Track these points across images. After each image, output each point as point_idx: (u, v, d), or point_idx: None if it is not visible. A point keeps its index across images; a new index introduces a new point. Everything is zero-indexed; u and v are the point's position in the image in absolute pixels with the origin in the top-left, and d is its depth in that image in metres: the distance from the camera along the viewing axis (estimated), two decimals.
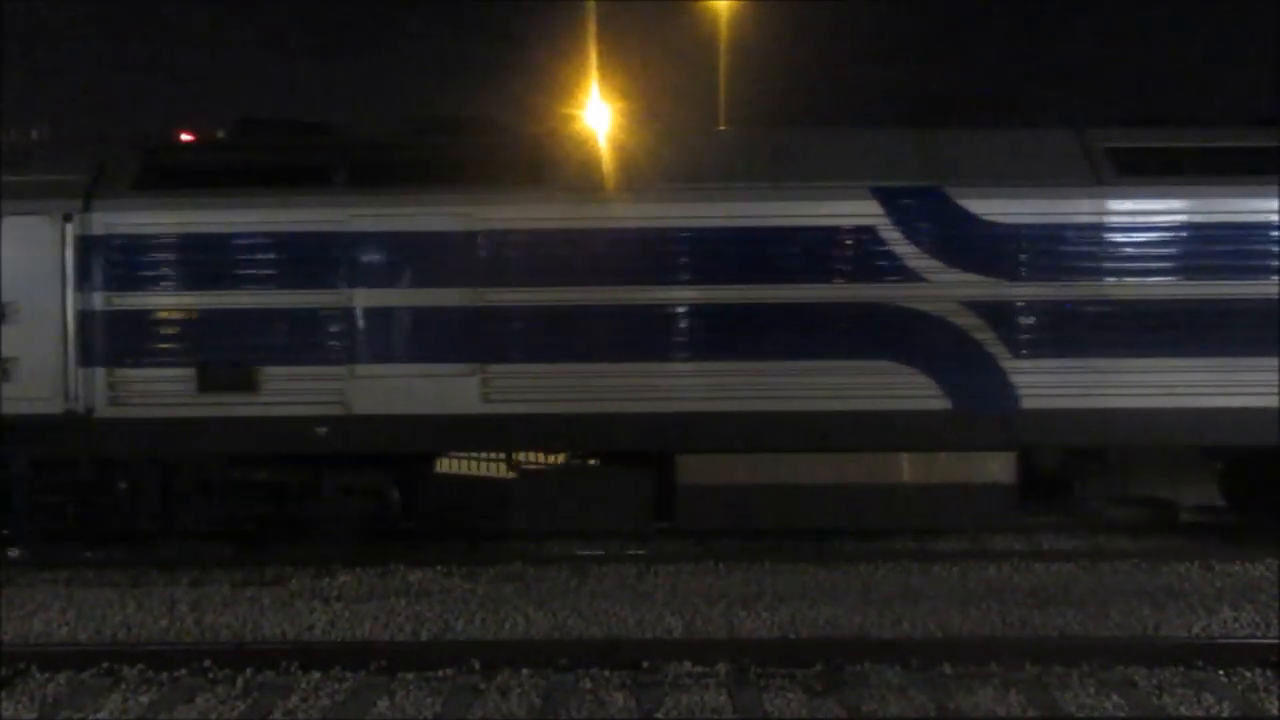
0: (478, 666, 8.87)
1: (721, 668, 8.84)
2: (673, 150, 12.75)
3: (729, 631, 10.01)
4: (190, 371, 12.35)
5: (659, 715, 8.09)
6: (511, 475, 12.86)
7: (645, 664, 8.87)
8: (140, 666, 8.91)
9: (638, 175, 12.49)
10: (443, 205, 12.35)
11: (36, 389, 12.32)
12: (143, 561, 12.66)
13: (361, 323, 12.35)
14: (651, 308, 12.30)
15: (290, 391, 12.32)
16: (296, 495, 12.66)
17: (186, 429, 12.33)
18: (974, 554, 12.66)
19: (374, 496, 12.71)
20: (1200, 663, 8.82)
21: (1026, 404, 12.20)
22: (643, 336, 12.29)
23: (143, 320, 12.43)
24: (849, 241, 12.30)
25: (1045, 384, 12.20)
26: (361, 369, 12.32)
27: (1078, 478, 12.85)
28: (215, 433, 12.32)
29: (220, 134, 13.51)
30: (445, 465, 12.87)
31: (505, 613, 10.58)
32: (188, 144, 13.36)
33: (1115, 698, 8.30)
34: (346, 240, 12.35)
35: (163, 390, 12.36)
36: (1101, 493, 12.99)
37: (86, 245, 12.41)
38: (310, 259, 12.38)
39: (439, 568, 12.35)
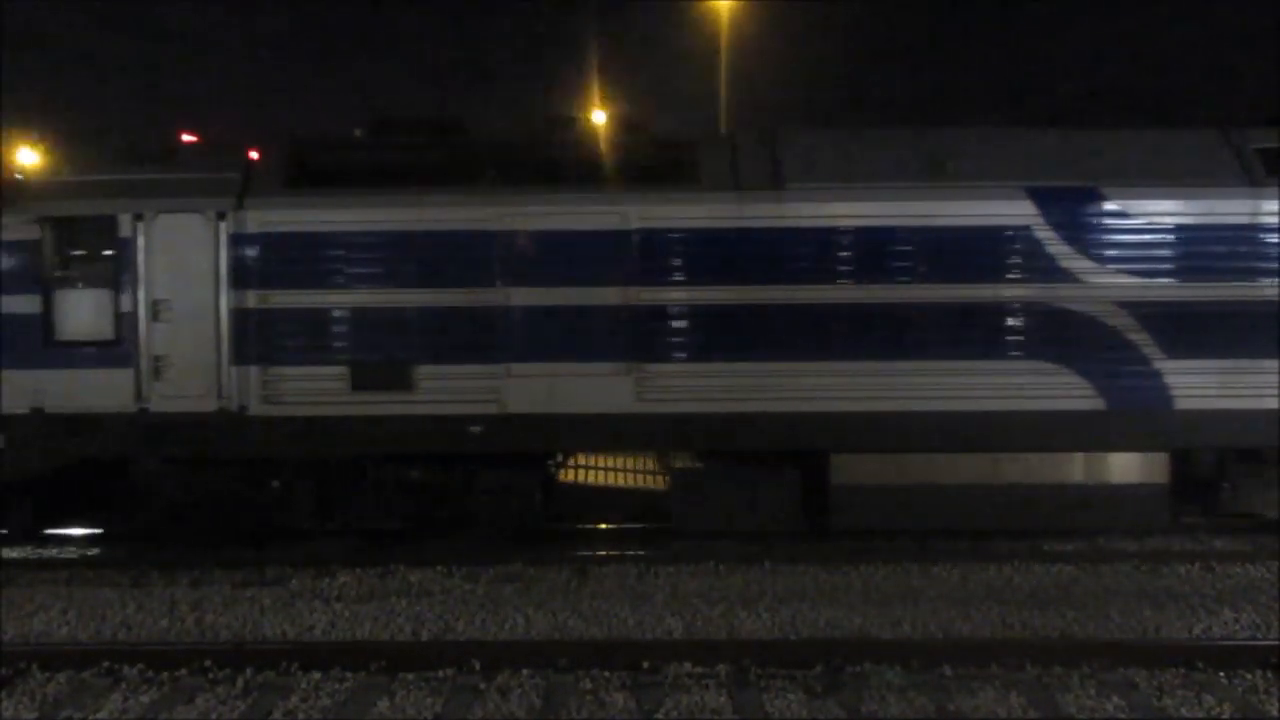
0: (478, 667, 8.87)
1: (722, 668, 8.84)
2: (827, 151, 12.74)
3: (729, 632, 10.01)
4: (343, 370, 12.37)
5: (659, 716, 8.09)
6: (663, 477, 12.88)
7: (645, 665, 8.87)
8: (140, 666, 8.92)
9: (792, 176, 12.49)
10: (599, 205, 12.39)
11: (189, 387, 12.34)
12: (143, 561, 12.65)
13: (517, 321, 12.36)
14: (805, 307, 12.30)
15: (445, 390, 12.34)
16: (449, 494, 12.69)
17: (340, 427, 12.34)
18: (974, 555, 12.65)
19: (522, 496, 12.75)
20: (1201, 664, 8.82)
21: (1180, 404, 12.22)
22: (797, 336, 12.30)
23: (296, 318, 12.43)
24: (1004, 242, 12.32)
25: (1198, 384, 12.21)
26: (517, 367, 12.34)
27: (1230, 479, 12.77)
28: (368, 431, 12.34)
29: (358, 133, 13.49)
30: (587, 465, 12.94)
31: (505, 613, 10.57)
32: (336, 142, 13.35)
33: (1116, 699, 8.30)
34: (502, 239, 12.36)
35: (316, 388, 12.38)
36: (1254, 494, 12.90)
37: (240, 243, 12.42)
38: (465, 258, 12.39)
39: (439, 568, 12.35)
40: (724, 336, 12.32)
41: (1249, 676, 8.70)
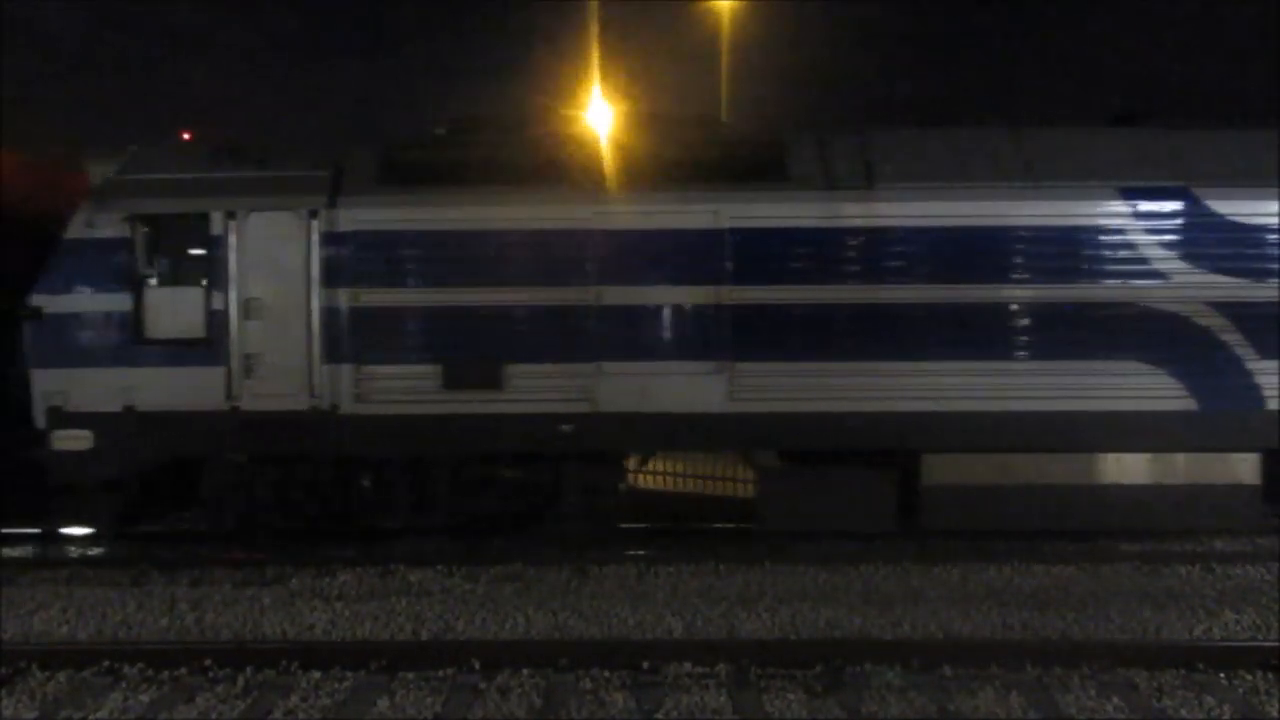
0: (478, 666, 8.87)
1: (722, 668, 8.84)
2: (918, 150, 12.74)
3: (729, 632, 10.00)
4: (435, 368, 12.36)
5: (659, 716, 8.09)
6: (752, 476, 12.89)
7: (645, 664, 8.87)
8: (140, 665, 8.91)
9: (883, 175, 12.50)
10: (692, 203, 12.39)
11: (281, 386, 12.34)
12: (143, 560, 12.65)
13: (609, 320, 12.36)
14: (897, 306, 12.31)
15: (536, 389, 12.34)
16: (539, 492, 12.71)
17: (431, 426, 12.34)
18: (974, 555, 12.63)
19: (608, 495, 12.77)
20: (1201, 665, 8.82)
21: (1272, 405, 12.21)
22: (888, 335, 12.30)
23: (387, 316, 12.43)
24: (1097, 242, 12.31)
25: None
26: (609, 366, 12.33)
27: None
28: (460, 429, 12.33)
29: (439, 131, 13.49)
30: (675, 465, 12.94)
31: (506, 613, 10.57)
32: (426, 140, 13.35)
33: (1116, 700, 8.30)
34: (595, 237, 12.38)
35: (407, 387, 12.37)
36: None
37: (332, 241, 12.41)
38: (557, 256, 12.40)
39: (439, 567, 12.35)
40: (816, 336, 12.31)
41: (1249, 678, 8.69)
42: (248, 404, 12.34)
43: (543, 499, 12.83)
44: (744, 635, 9.89)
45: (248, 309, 12.38)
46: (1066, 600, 10.97)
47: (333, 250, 12.40)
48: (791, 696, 8.39)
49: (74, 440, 12.36)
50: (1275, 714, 8.13)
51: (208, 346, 12.37)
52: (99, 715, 8.22)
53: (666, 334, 12.38)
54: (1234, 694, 8.42)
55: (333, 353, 12.38)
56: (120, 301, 12.43)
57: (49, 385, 12.41)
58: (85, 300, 12.46)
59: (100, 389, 12.32)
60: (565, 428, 12.31)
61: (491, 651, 9.11)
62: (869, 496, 12.48)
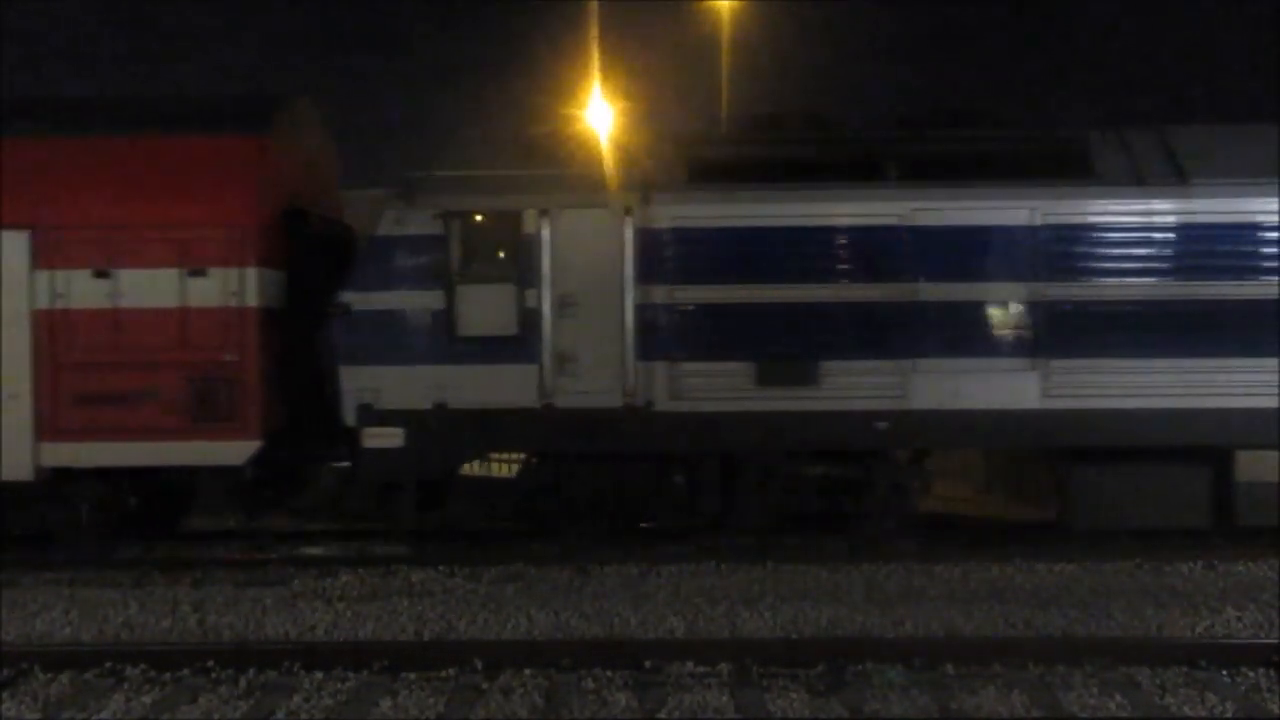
0: (480, 666, 8.86)
1: (724, 668, 8.82)
2: (1226, 145, 12.76)
3: (731, 631, 10.00)
4: (750, 365, 12.37)
5: (661, 715, 8.08)
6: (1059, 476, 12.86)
7: (648, 664, 8.86)
8: (143, 667, 8.89)
9: (1194, 171, 12.50)
10: (1008, 200, 12.40)
11: (595, 383, 12.37)
12: (145, 562, 12.65)
13: (924, 317, 12.38)
14: (1212, 303, 12.34)
15: (851, 386, 12.36)
16: (848, 490, 12.70)
17: (745, 423, 12.35)
18: (976, 554, 12.62)
19: (917, 495, 12.79)
20: (1204, 663, 8.80)
21: None
22: (1203, 331, 12.30)
23: (702, 313, 12.48)
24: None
25: None
26: (923, 363, 12.35)
27: None
28: (774, 426, 12.36)
29: (738, 129, 13.57)
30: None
31: (508, 613, 10.57)
32: (732, 137, 13.49)
33: (1118, 698, 8.28)
34: (909, 234, 12.39)
35: (722, 384, 12.40)
36: None
37: (646, 238, 12.43)
38: (871, 252, 12.44)
39: (441, 568, 12.34)
40: (1130, 332, 12.34)
41: (1252, 675, 8.67)
42: (562, 401, 12.39)
43: (851, 498, 12.77)
44: (746, 634, 9.89)
45: (561, 306, 12.40)
46: (1069, 598, 10.96)
47: (647, 247, 12.43)
48: (794, 695, 8.37)
49: (385, 438, 12.38)
50: (1278, 711, 8.12)
51: (520, 344, 12.43)
52: (101, 717, 8.21)
53: (980, 331, 12.41)
54: (1236, 691, 8.40)
55: (647, 349, 12.40)
56: (432, 299, 12.47)
57: (359, 382, 12.44)
58: (396, 297, 12.50)
59: (411, 386, 12.38)
60: (879, 425, 12.32)
61: (494, 651, 9.10)
62: (1183, 493, 12.46)
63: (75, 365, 12.52)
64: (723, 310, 12.48)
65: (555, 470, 12.71)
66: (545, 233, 12.47)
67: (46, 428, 12.53)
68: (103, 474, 12.74)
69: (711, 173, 12.70)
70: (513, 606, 10.80)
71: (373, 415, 12.41)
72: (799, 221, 12.48)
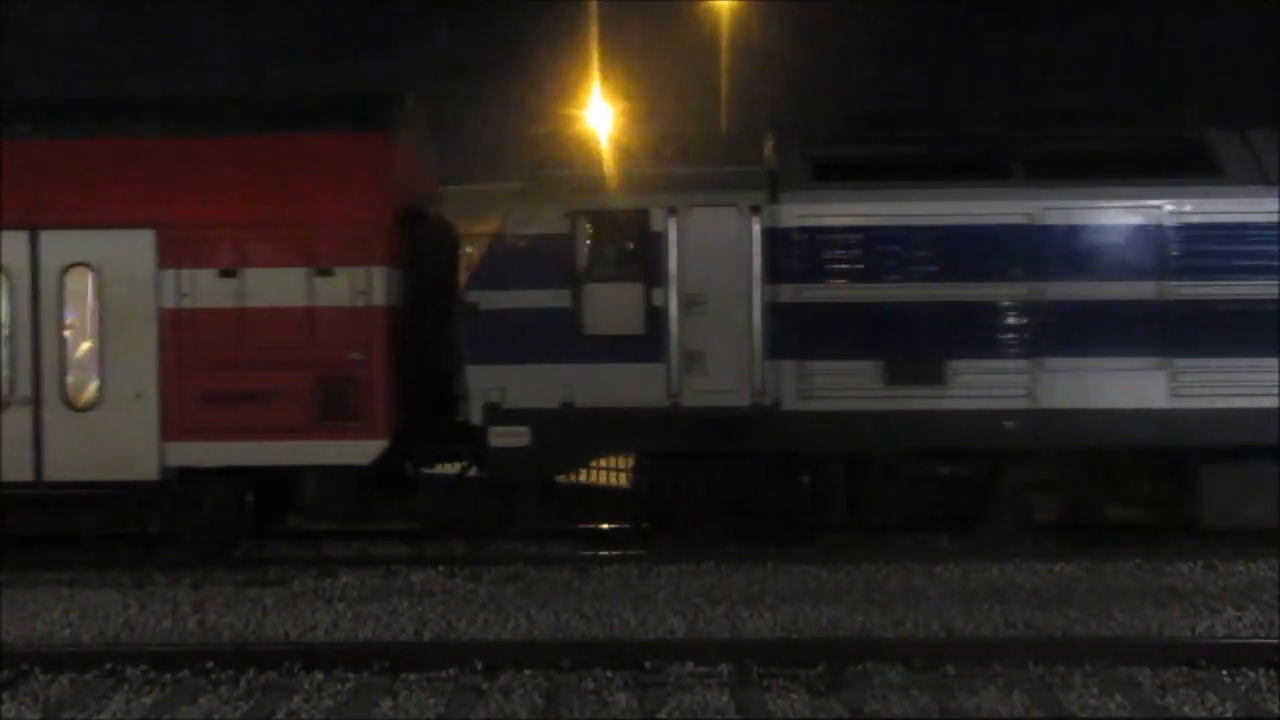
0: (480, 667, 8.86)
1: (724, 668, 8.82)
2: None
3: (731, 632, 10.00)
4: (877, 364, 12.38)
5: (661, 715, 8.08)
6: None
7: (648, 664, 8.86)
8: (143, 667, 8.89)
9: None
10: (1137, 198, 12.43)
11: (723, 382, 12.36)
12: (145, 562, 12.64)
13: (1052, 316, 12.38)
14: None
15: (978, 385, 12.35)
16: (976, 490, 12.69)
17: (873, 422, 12.36)
18: (976, 554, 12.61)
19: (1045, 492, 12.78)
20: (1204, 663, 8.80)
21: None
22: None
23: (830, 312, 12.48)
24: None
25: None
26: (1050, 362, 12.34)
27: None
28: (901, 426, 12.38)
29: (860, 128, 13.56)
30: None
31: (508, 613, 10.57)
32: (856, 136, 13.39)
33: (1119, 698, 8.28)
34: (1037, 233, 12.42)
35: (850, 383, 12.40)
36: None
37: (774, 237, 12.43)
38: (999, 251, 12.45)
39: (441, 568, 12.34)
40: (1259, 332, 12.32)
41: (1252, 675, 8.67)
42: (689, 400, 12.38)
43: (977, 498, 12.76)
44: (746, 635, 9.89)
45: (688, 305, 12.40)
46: (1069, 598, 10.96)
47: (774, 245, 12.44)
48: (794, 696, 8.37)
49: (511, 437, 12.39)
50: (1277, 711, 8.12)
51: (647, 343, 12.44)
52: (101, 717, 8.21)
53: (1107, 330, 12.41)
54: (1236, 691, 8.40)
55: (775, 349, 12.41)
56: (558, 297, 12.48)
57: (485, 381, 12.48)
58: (522, 296, 12.49)
59: (538, 385, 12.41)
60: (1008, 424, 12.31)
61: (494, 652, 9.10)
62: None
63: (201, 364, 12.50)
64: (850, 309, 12.49)
65: (678, 470, 12.68)
66: (673, 231, 12.48)
67: (172, 427, 12.52)
68: (223, 473, 12.72)
69: (838, 171, 12.72)
70: (513, 606, 10.80)
71: (499, 414, 12.44)
72: (926, 220, 12.51)
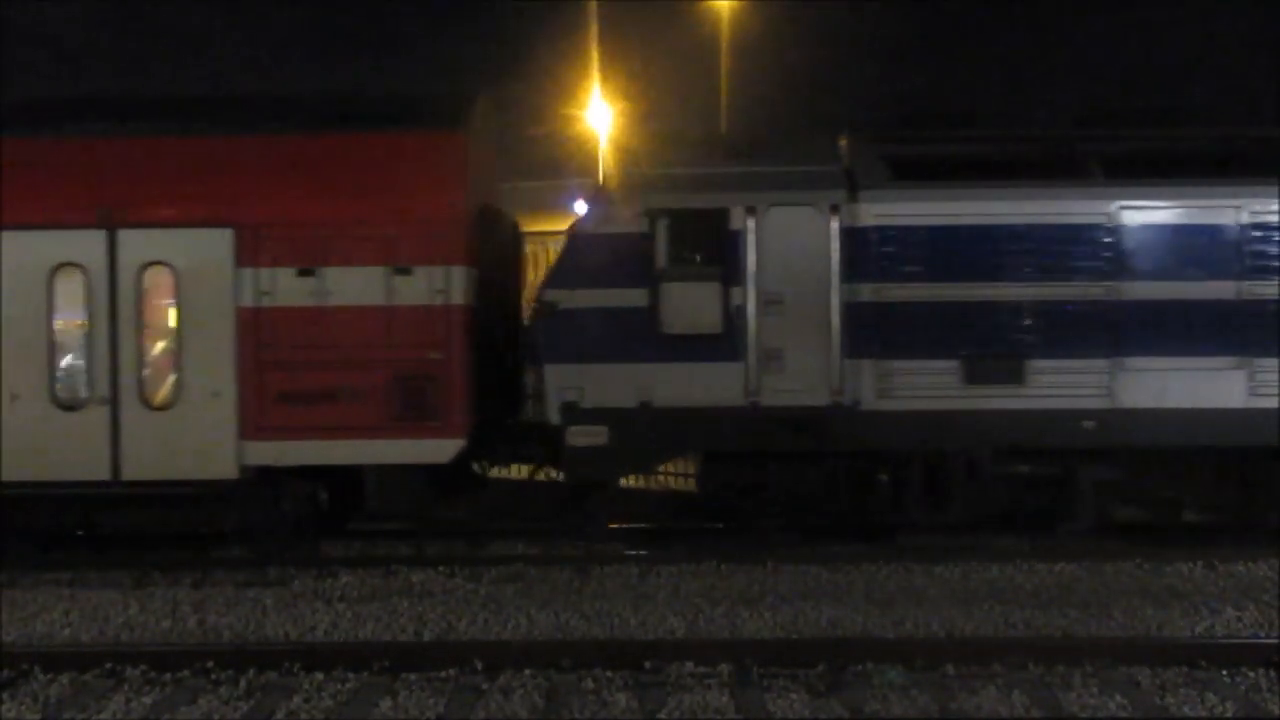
0: (480, 667, 8.86)
1: (724, 668, 8.82)
2: None
3: (731, 632, 10.00)
4: (956, 363, 12.40)
5: (661, 716, 8.08)
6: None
7: (648, 664, 8.86)
8: (143, 667, 8.89)
9: None
10: (1215, 198, 12.44)
11: (802, 381, 12.37)
12: (145, 562, 12.63)
13: (1131, 315, 12.40)
14: None
15: (1057, 384, 12.37)
16: (1054, 489, 12.67)
17: (952, 421, 12.37)
18: (976, 554, 12.61)
19: (1121, 494, 12.75)
20: (1203, 663, 8.80)
21: None
22: None
23: (909, 311, 12.50)
24: None
25: None
26: (1129, 361, 12.36)
27: None
28: (980, 425, 12.38)
29: (935, 127, 13.55)
30: None
31: (508, 613, 10.56)
32: (933, 135, 13.39)
33: (1118, 698, 8.28)
34: (1115, 233, 12.43)
35: (929, 382, 12.42)
36: None
37: (853, 236, 12.45)
38: (1077, 250, 12.47)
39: (441, 568, 12.34)
40: None
41: (1251, 675, 8.67)
42: (768, 399, 12.39)
43: (1054, 498, 12.75)
44: (746, 635, 9.89)
45: (767, 304, 12.41)
46: (1069, 598, 10.96)
47: (853, 245, 12.46)
48: (794, 696, 8.38)
49: (590, 436, 12.41)
50: (1277, 711, 8.12)
51: (726, 342, 12.45)
52: (101, 717, 8.21)
53: (1186, 329, 12.40)
54: (1236, 691, 8.41)
55: (854, 348, 12.43)
56: (637, 296, 12.50)
57: (564, 380, 12.49)
58: (600, 295, 12.51)
59: (616, 384, 12.43)
60: (1087, 424, 12.32)
61: (494, 652, 9.09)
62: None
63: (279, 363, 12.48)
64: (929, 308, 12.51)
65: (751, 470, 12.68)
66: (751, 230, 12.50)
67: (250, 426, 12.50)
68: (299, 472, 12.73)
69: (915, 170, 12.75)
70: (513, 606, 10.80)
71: (577, 413, 12.45)
72: (1005, 219, 12.52)
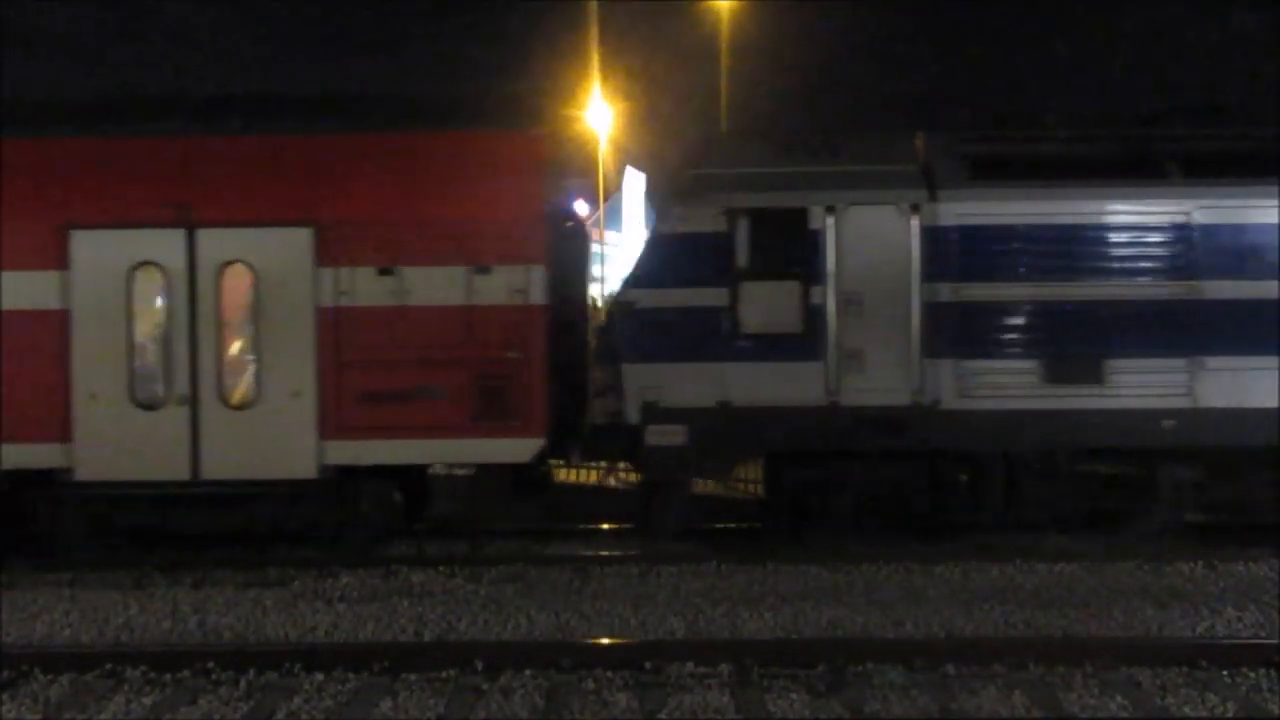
0: (480, 667, 8.86)
1: (724, 668, 8.83)
2: None
3: (732, 632, 10.00)
4: (1036, 363, 12.41)
5: (662, 716, 8.08)
6: None
7: (648, 665, 8.86)
8: (143, 668, 8.90)
9: None
10: None
11: (882, 381, 12.38)
12: (145, 563, 12.63)
13: (1211, 315, 12.39)
14: None
15: (1137, 384, 12.37)
16: (1132, 489, 12.66)
17: (1031, 421, 12.36)
18: (977, 554, 12.61)
19: (1199, 491, 12.73)
20: (1204, 663, 8.80)
21: None
22: None
23: (989, 311, 12.51)
24: None
25: None
26: (1210, 361, 12.35)
27: None
28: (1060, 425, 12.37)
29: (1012, 127, 13.59)
30: None
31: (508, 613, 10.57)
32: (1010, 134, 13.41)
33: (1119, 698, 8.29)
34: (1195, 232, 12.44)
35: (1009, 382, 12.42)
36: None
37: (933, 235, 12.46)
38: (1156, 250, 12.49)
39: (441, 568, 12.34)
40: None
41: (1252, 675, 8.67)
42: (848, 399, 12.40)
43: (1132, 497, 12.74)
44: (746, 635, 9.89)
45: (846, 303, 12.42)
46: (1069, 598, 10.96)
47: (933, 244, 12.47)
48: (794, 696, 8.38)
49: (668, 435, 12.41)
50: (1278, 711, 8.12)
51: (806, 341, 12.46)
52: (101, 718, 8.22)
53: (1266, 328, 12.38)
54: (1237, 691, 8.41)
55: (934, 347, 12.44)
56: (716, 296, 12.50)
57: (643, 380, 12.50)
58: (679, 295, 12.52)
59: (695, 383, 12.43)
60: (1166, 423, 12.31)
61: (494, 652, 9.10)
62: None
63: (359, 363, 12.46)
64: (1009, 308, 12.53)
65: (828, 470, 12.66)
66: (831, 229, 12.51)
67: (330, 425, 12.47)
68: (377, 471, 12.69)
69: (994, 170, 12.75)
70: (513, 607, 10.80)
71: (656, 413, 12.45)
72: (1084, 219, 12.54)
